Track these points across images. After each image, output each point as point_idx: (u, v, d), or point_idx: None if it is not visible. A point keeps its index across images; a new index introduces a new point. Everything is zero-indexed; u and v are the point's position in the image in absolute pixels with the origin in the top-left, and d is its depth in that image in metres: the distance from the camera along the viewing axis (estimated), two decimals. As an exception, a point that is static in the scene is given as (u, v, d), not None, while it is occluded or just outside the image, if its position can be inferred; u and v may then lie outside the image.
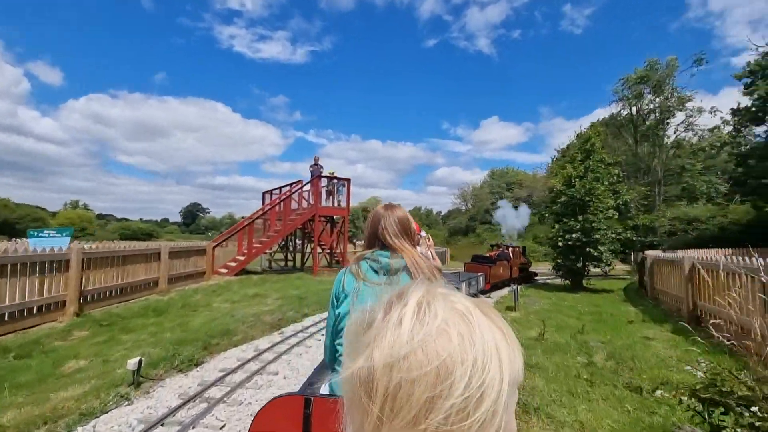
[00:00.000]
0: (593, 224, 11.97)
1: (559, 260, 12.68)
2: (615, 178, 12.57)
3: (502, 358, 0.39)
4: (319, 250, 17.32)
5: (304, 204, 15.97)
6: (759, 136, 16.73)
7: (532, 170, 54.77)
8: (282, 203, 14.95)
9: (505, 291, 13.01)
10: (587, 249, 12.09)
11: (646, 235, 19.13)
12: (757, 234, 18.83)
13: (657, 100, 18.98)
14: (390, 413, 0.37)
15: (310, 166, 16.14)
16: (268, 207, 15.60)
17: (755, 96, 18.71)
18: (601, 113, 46.47)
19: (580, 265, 12.73)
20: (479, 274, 12.01)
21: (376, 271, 1.47)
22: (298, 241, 18.41)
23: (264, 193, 18.38)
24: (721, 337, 3.07)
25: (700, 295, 6.95)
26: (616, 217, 12.11)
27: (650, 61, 19.68)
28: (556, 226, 12.85)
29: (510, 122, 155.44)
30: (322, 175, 15.88)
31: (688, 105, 18.92)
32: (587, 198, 12.23)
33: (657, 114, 18.70)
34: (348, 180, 16.51)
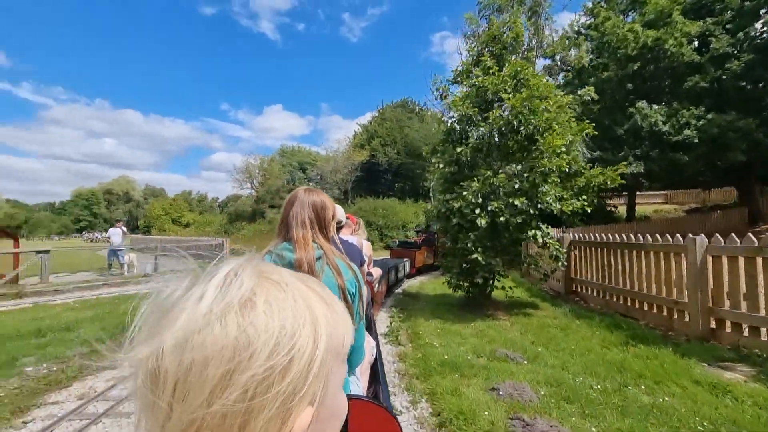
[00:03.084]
0: (545, 178, 6.00)
1: (477, 256, 6.12)
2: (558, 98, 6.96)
3: (318, 324, 0.37)
4: None
5: None
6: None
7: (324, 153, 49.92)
8: None
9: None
10: (529, 230, 6.06)
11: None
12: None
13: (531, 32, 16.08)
14: (180, 399, 0.32)
15: None
16: None
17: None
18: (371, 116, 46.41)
19: (498, 260, 6.56)
20: (405, 259, 11.54)
21: None
22: None
23: None
24: None
25: None
26: (566, 168, 6.51)
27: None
28: (472, 184, 6.21)
29: (293, 113, 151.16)
30: None
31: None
32: (530, 125, 6.15)
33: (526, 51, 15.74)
34: None
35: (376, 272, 3.44)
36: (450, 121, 7.17)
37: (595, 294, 7.02)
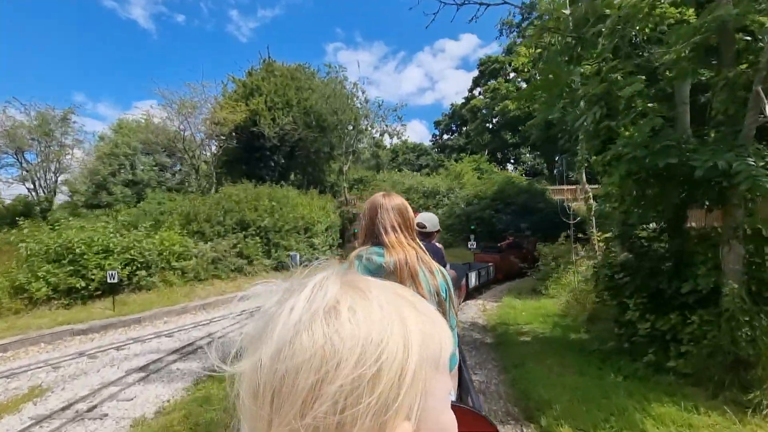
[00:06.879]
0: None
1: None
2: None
3: (409, 332, 0.35)
4: None
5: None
6: None
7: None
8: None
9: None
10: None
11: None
12: None
13: None
14: (276, 410, 0.32)
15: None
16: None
17: None
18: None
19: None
20: (489, 263, 11.47)
21: (371, 272, 1.24)
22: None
23: None
24: None
25: None
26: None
27: None
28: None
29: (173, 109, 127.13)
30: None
31: None
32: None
33: None
34: None
35: (452, 274, 3.00)
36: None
37: None
